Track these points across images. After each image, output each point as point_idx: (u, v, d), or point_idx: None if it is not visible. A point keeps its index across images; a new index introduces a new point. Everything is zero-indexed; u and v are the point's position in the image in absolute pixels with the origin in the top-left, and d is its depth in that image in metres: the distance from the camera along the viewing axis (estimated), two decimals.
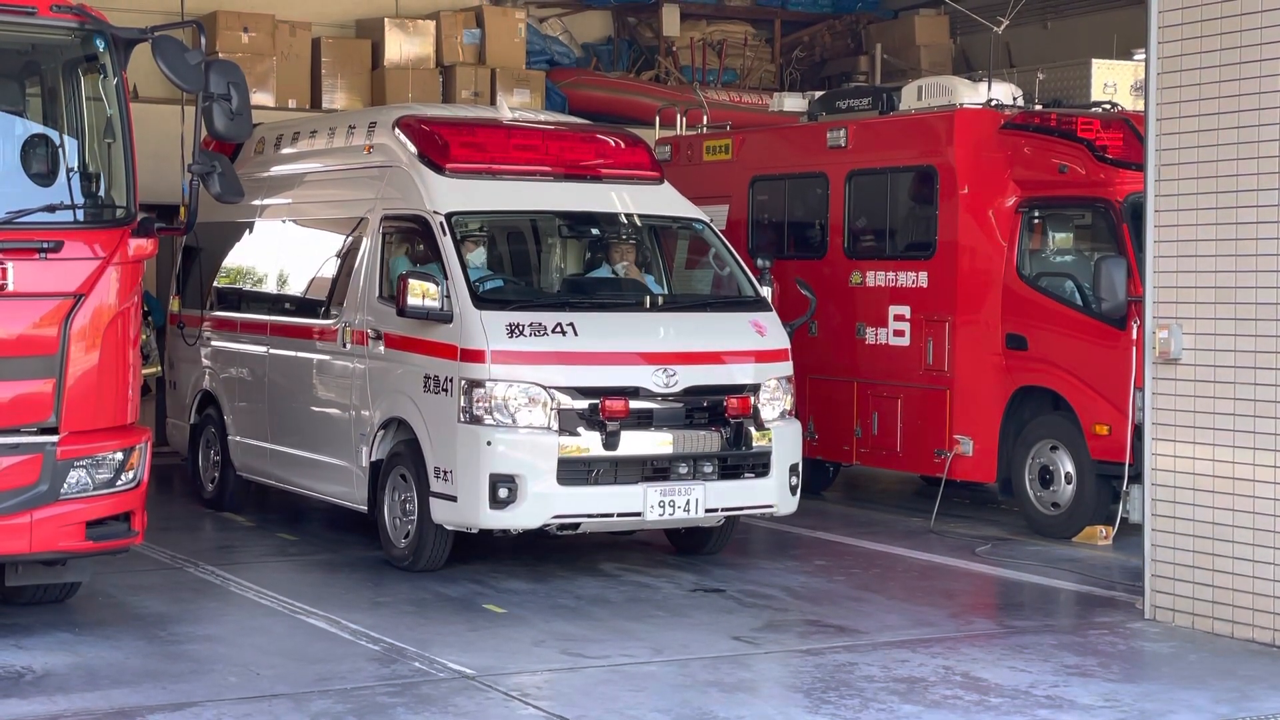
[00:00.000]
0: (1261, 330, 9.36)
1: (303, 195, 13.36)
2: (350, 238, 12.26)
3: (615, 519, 10.89)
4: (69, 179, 9.26)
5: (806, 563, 12.06)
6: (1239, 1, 9.46)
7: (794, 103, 16.00)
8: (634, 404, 10.76)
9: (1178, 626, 9.80)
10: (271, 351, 13.09)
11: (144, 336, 11.99)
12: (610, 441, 10.64)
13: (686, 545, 12.15)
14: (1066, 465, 12.84)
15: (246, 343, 13.51)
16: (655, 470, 10.85)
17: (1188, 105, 9.75)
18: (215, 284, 14.18)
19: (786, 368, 11.52)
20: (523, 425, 10.59)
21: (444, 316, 10.85)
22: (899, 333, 13.91)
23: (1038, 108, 13.92)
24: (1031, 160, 13.24)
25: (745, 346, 11.41)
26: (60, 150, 9.36)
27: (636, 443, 10.74)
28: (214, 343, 14.02)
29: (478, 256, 11.39)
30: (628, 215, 12.12)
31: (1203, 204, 9.68)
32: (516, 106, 15.05)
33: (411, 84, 19.21)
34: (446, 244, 11.13)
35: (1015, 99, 13.92)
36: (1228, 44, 9.52)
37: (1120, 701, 8.31)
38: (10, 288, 8.80)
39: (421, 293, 10.77)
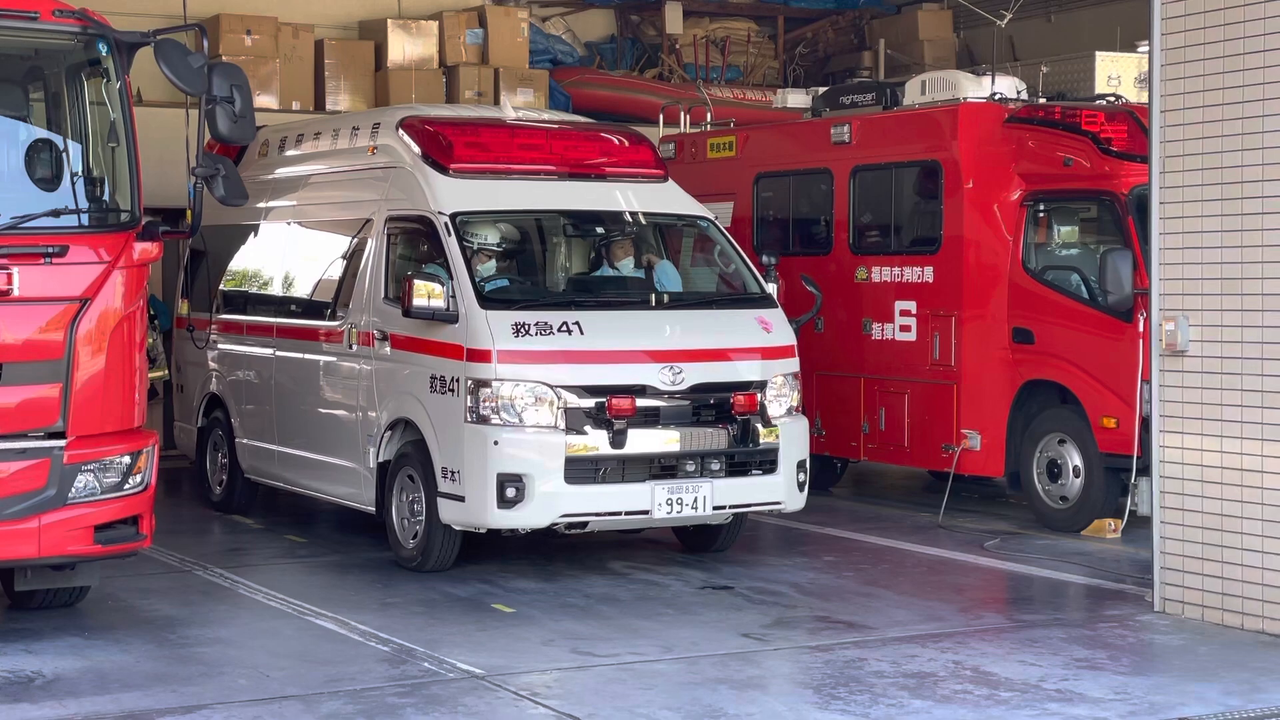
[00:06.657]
0: (1268, 321, 9.34)
1: (307, 197, 13.36)
2: (355, 239, 12.26)
3: (623, 517, 10.89)
4: (73, 183, 9.26)
5: (815, 559, 12.05)
6: None
7: (798, 99, 15.98)
8: (641, 402, 10.76)
9: (1187, 619, 9.79)
10: (278, 354, 13.09)
11: (150, 340, 11.97)
12: (617, 440, 10.64)
13: (695, 543, 12.15)
14: (1074, 459, 12.83)
15: (253, 345, 13.51)
16: (663, 468, 10.85)
17: (1192, 97, 9.73)
18: (221, 287, 14.19)
19: (793, 364, 11.51)
20: (530, 424, 10.59)
21: (449, 317, 10.85)
22: (905, 328, 13.90)
23: (1042, 101, 13.91)
24: (1036, 154, 13.23)
25: (751, 343, 11.39)
26: (64, 155, 9.36)
27: (644, 441, 10.74)
28: (221, 346, 14.03)
29: (488, 269, 11.37)
30: (632, 213, 12.11)
31: (1208, 195, 9.66)
32: (520, 106, 15.02)
33: (415, 85, 19.21)
34: (451, 244, 11.12)
35: (1019, 93, 13.92)
36: (1231, 35, 9.49)
37: (1130, 694, 8.29)
38: (16, 293, 8.81)
39: (427, 293, 10.77)
